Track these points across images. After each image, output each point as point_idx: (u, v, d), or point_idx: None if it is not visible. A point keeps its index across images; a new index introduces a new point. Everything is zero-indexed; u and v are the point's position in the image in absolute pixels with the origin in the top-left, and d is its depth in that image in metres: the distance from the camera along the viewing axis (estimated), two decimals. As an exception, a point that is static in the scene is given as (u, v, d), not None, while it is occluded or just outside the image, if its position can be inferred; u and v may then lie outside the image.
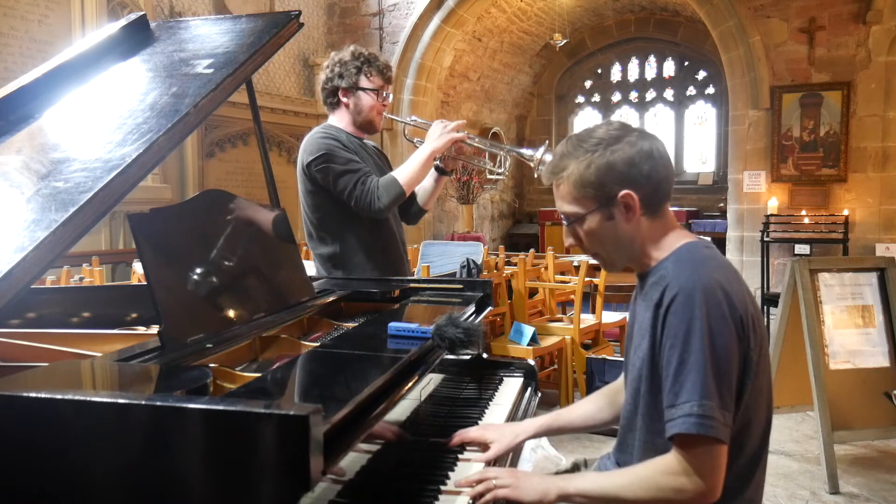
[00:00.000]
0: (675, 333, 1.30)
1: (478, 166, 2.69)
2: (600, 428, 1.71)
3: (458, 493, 1.34)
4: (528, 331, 4.21)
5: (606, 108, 11.38)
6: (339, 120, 2.56)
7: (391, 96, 2.60)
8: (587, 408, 1.72)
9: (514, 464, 1.62)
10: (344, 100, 2.52)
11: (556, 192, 1.47)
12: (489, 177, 2.83)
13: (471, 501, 1.32)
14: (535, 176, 2.36)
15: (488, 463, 1.52)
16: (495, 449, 1.54)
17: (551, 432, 1.70)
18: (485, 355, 2.12)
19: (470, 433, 1.57)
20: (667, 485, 1.28)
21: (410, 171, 2.44)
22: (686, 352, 1.28)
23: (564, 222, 1.49)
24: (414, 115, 3.01)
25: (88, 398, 0.96)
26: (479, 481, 1.36)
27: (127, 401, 0.93)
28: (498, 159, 2.61)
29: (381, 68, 2.52)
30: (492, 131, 10.32)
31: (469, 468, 1.47)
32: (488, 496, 1.33)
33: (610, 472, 1.40)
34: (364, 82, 2.50)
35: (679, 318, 1.30)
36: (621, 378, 1.69)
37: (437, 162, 2.55)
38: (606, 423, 1.68)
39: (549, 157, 2.28)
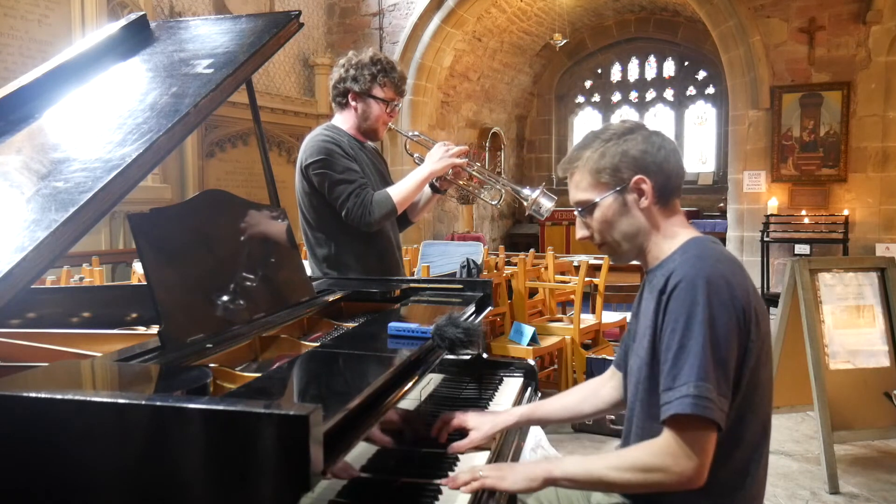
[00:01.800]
0: (676, 318, 1.31)
1: (473, 193, 2.69)
2: (581, 420, 1.71)
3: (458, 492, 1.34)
4: (528, 331, 4.21)
5: (606, 108, 11.39)
6: (344, 121, 2.55)
7: (400, 107, 2.59)
8: (569, 399, 1.72)
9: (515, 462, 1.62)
10: (353, 103, 2.51)
11: (571, 181, 1.50)
12: (485, 199, 2.84)
13: (470, 501, 1.32)
14: (526, 214, 2.40)
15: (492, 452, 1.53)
16: (474, 436, 1.55)
17: (532, 422, 1.71)
18: (485, 355, 2.12)
19: (452, 420, 1.58)
20: (653, 465, 1.28)
21: (406, 189, 2.44)
22: (686, 336, 1.29)
23: (577, 212, 1.50)
24: (417, 130, 3.00)
25: (88, 398, 0.96)
26: (467, 479, 1.36)
27: (127, 401, 0.93)
28: (493, 191, 2.61)
29: (396, 81, 2.50)
30: (492, 131, 10.33)
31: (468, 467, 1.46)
32: (475, 484, 1.33)
33: (598, 455, 1.40)
34: (377, 91, 2.48)
35: (681, 303, 1.32)
36: (607, 372, 1.70)
37: (434, 180, 2.55)
38: (587, 416, 1.69)
39: (542, 200, 2.32)
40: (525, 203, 2.36)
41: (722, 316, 1.30)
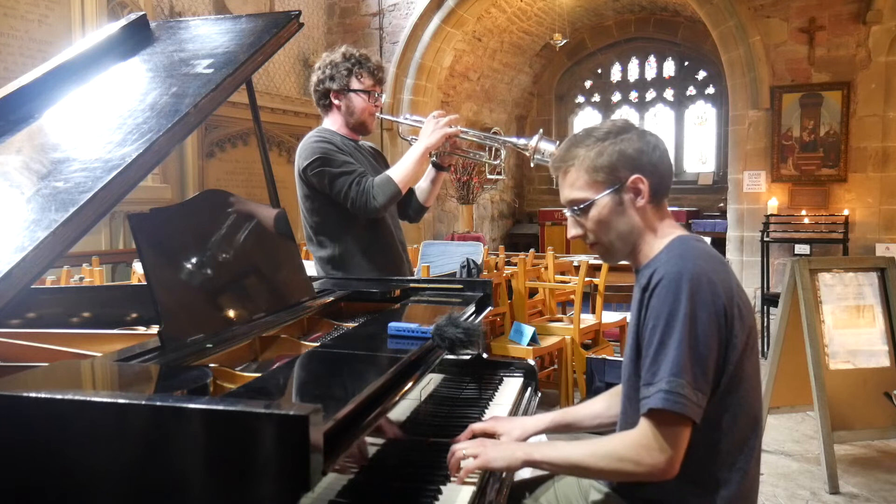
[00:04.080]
0: (658, 315, 1.33)
1: (474, 160, 2.67)
2: (609, 427, 1.72)
3: (458, 492, 1.34)
4: (528, 331, 4.20)
5: (606, 108, 11.38)
6: (333, 122, 2.56)
7: (383, 97, 2.60)
8: (598, 406, 1.73)
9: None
10: (336, 102, 2.53)
11: (564, 180, 1.49)
12: (490, 176, 2.82)
13: (470, 501, 1.33)
14: (532, 165, 2.38)
15: None
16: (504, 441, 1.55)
17: (561, 429, 1.72)
18: (485, 355, 2.12)
19: (479, 426, 1.58)
20: (626, 455, 1.32)
21: (405, 168, 2.43)
22: (666, 333, 1.31)
23: (570, 212, 1.49)
24: (406, 114, 3.01)
25: (88, 398, 0.96)
26: (453, 458, 1.40)
27: (127, 401, 0.93)
28: (493, 151, 2.60)
29: (371, 69, 2.52)
30: (492, 131, 10.31)
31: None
32: (462, 473, 1.37)
33: (577, 442, 1.43)
34: (355, 84, 2.50)
35: (662, 300, 1.34)
36: None
37: (434, 158, 2.55)
38: (615, 423, 1.69)
39: (543, 144, 2.30)
40: (527, 154, 2.34)
41: (703, 313, 1.32)
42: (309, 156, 2.42)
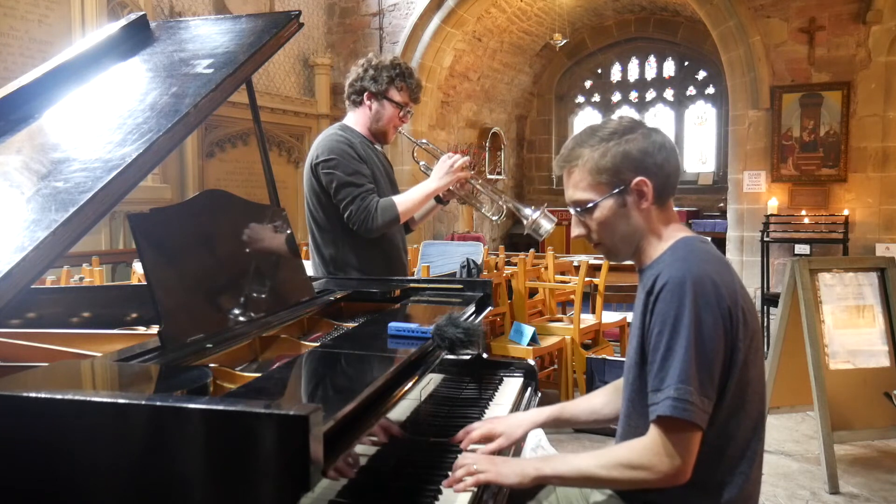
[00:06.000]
0: (664, 320, 1.33)
1: (474, 206, 2.70)
2: (605, 423, 1.72)
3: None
4: (528, 331, 4.21)
5: (606, 108, 11.38)
6: (357, 121, 2.58)
7: (411, 114, 2.63)
8: (594, 402, 1.73)
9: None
10: (367, 102, 2.54)
11: (569, 179, 1.48)
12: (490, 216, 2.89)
13: (470, 501, 1.32)
14: (525, 234, 2.41)
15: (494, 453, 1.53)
16: (502, 442, 1.55)
17: (558, 424, 1.71)
18: (485, 355, 2.12)
19: (477, 430, 1.56)
20: (638, 463, 1.32)
21: (411, 200, 2.48)
22: (672, 339, 1.31)
23: (574, 211, 1.49)
24: (425, 139, 3.03)
25: (88, 398, 0.96)
26: (462, 474, 1.37)
27: (127, 401, 0.93)
28: (495, 206, 2.64)
29: (413, 87, 2.56)
30: (492, 131, 10.32)
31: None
32: (471, 480, 1.35)
33: (586, 453, 1.42)
34: (393, 94, 2.52)
35: (667, 304, 1.33)
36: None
37: None
38: (611, 420, 1.69)
39: (542, 221, 2.36)
40: (524, 222, 2.39)
41: (708, 318, 1.31)
42: (325, 152, 2.43)
